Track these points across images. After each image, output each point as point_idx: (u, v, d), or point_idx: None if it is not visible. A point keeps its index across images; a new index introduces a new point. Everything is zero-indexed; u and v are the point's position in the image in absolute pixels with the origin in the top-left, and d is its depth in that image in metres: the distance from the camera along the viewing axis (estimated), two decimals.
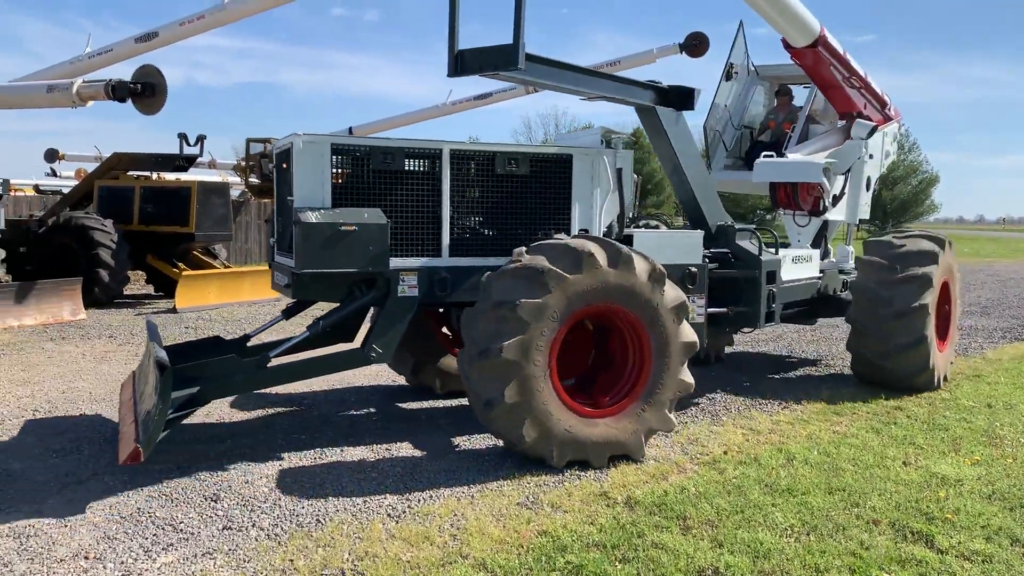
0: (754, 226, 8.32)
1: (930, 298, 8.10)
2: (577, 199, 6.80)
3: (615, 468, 5.85)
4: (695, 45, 17.14)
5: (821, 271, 9.15)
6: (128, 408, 5.99)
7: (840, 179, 9.35)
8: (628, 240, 6.71)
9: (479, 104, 20.49)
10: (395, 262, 6.10)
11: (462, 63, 5.82)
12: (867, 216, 10.14)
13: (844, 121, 9.63)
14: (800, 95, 10.49)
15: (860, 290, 8.35)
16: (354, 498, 5.21)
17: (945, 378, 8.79)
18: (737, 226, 7.84)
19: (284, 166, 6.32)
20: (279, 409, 7.53)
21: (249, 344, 6.76)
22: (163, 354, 5.31)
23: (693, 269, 6.86)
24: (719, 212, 7.96)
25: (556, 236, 6.14)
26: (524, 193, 6.64)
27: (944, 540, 4.69)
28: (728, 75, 10.09)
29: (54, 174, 31.61)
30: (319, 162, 5.98)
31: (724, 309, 7.51)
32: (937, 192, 74.90)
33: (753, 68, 10.47)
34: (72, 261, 14.76)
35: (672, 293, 5.93)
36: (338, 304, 6.27)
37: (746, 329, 8.48)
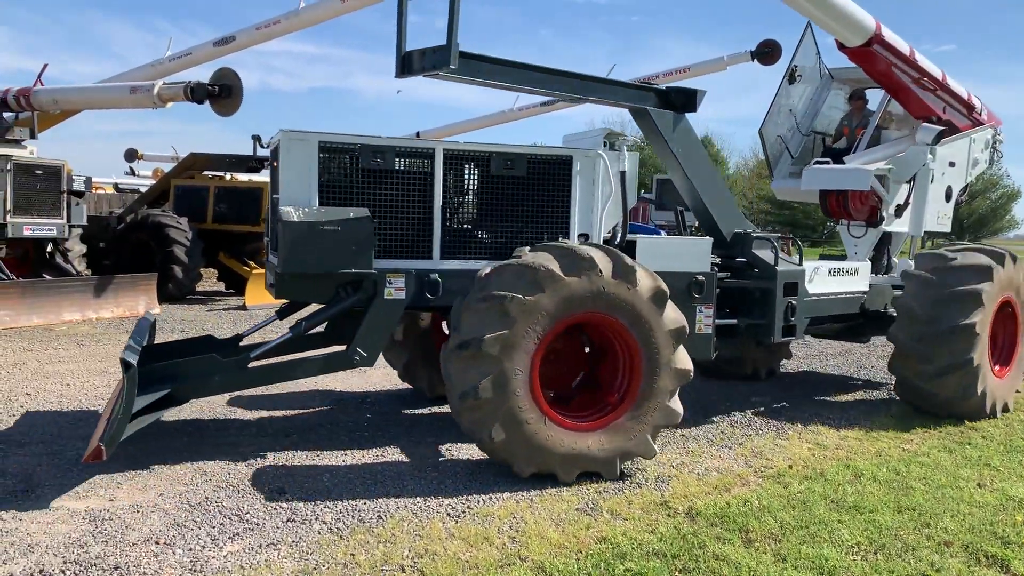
0: (777, 235, 7.97)
1: (979, 317, 7.49)
2: (577, 202, 6.59)
3: (676, 478, 5.79)
4: (767, 53, 16.90)
5: (871, 285, 8.58)
6: (110, 404, 5.97)
7: (904, 188, 8.88)
8: (631, 246, 6.55)
9: (545, 111, 20.53)
10: (382, 263, 5.96)
11: (408, 64, 5.79)
12: (947, 229, 9.58)
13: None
14: (876, 99, 10.07)
15: (902, 307, 7.82)
16: (415, 496, 5.26)
17: (1006, 407, 8.12)
18: (754, 234, 7.48)
19: (275, 164, 6.23)
20: (343, 406, 7.65)
21: (242, 344, 6.64)
22: (132, 351, 5.28)
23: (700, 278, 6.63)
24: (735, 219, 7.62)
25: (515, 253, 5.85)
26: (521, 195, 6.43)
27: (1020, 565, 4.51)
28: (791, 78, 9.68)
29: (133, 173, 32.77)
30: (306, 159, 5.84)
31: (734, 320, 7.21)
32: (1019, 207, 72.17)
33: (827, 71, 10.03)
34: (148, 257, 15.28)
35: (648, 282, 5.64)
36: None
37: (792, 343, 8.04)
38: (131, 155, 31.41)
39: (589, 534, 4.75)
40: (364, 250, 5.77)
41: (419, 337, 7.68)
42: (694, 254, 6.73)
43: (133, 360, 5.11)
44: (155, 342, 6.93)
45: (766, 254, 7.38)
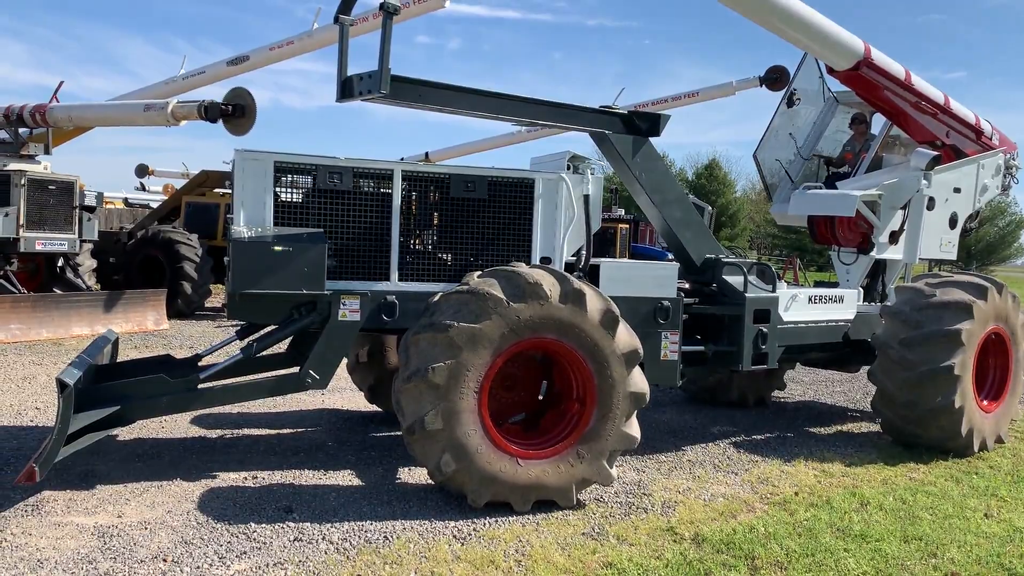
0: (752, 261, 7.82)
1: (959, 359, 7.22)
2: (539, 226, 6.52)
3: (683, 504, 5.80)
4: (775, 79, 16.96)
5: (858, 313, 8.32)
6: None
7: (899, 214, 8.73)
8: (595, 270, 6.53)
9: (555, 132, 20.60)
10: (337, 284, 5.89)
11: (349, 89, 5.82)
12: (953, 256, 9.48)
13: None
14: (879, 124, 9.95)
15: (880, 347, 7.56)
16: (421, 518, 5.28)
17: (1000, 439, 7.93)
18: (725, 259, 7.38)
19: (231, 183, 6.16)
20: (351, 425, 7.68)
21: (200, 363, 6.49)
22: (72, 370, 5.20)
23: (666, 303, 6.61)
24: (706, 243, 7.53)
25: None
26: (482, 218, 6.37)
27: None
28: (790, 102, 9.55)
29: (143, 188, 33.01)
30: (261, 180, 5.80)
31: (701, 347, 7.14)
32: None
33: (831, 94, 9.94)
34: (158, 273, 15.40)
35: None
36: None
37: (787, 373, 7.70)
38: (142, 171, 31.62)
39: (595, 559, 4.76)
40: (316, 271, 5.69)
41: (385, 359, 7.64)
42: (659, 279, 6.70)
43: (70, 380, 5.02)
44: (117, 360, 6.90)
45: (736, 280, 7.29)
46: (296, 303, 5.84)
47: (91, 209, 14.08)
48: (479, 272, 5.76)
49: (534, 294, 5.42)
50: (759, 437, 7.98)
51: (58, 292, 13.26)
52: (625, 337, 5.71)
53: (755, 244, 61.71)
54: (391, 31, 5.61)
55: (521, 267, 5.72)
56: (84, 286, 14.09)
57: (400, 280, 6.15)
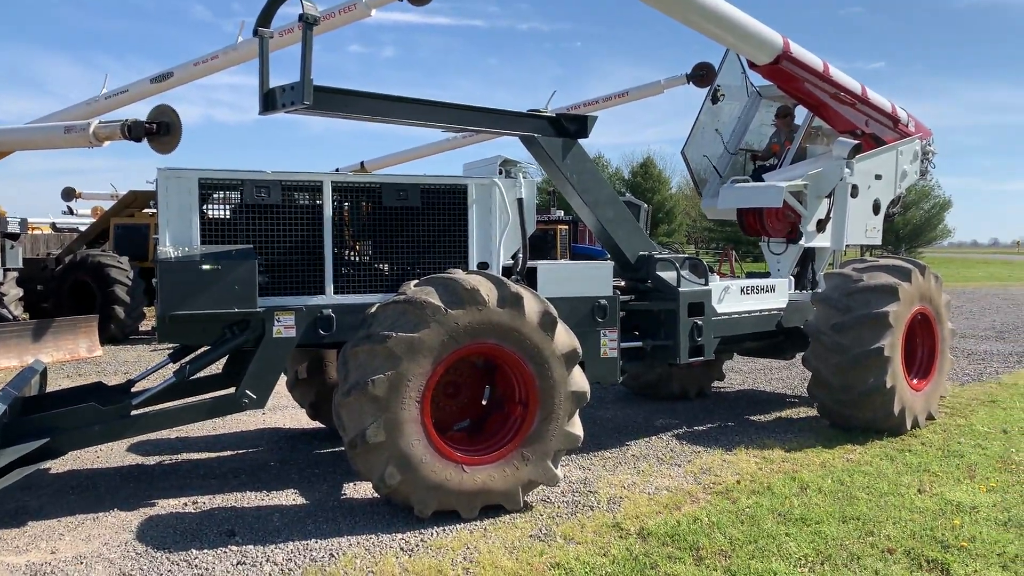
0: (684, 255, 7.91)
1: (888, 340, 7.47)
2: (475, 231, 6.54)
3: (628, 499, 5.86)
4: (702, 75, 17.25)
5: (790, 302, 8.56)
6: None
7: (824, 203, 9.00)
8: (532, 272, 6.59)
9: (488, 137, 20.60)
10: (271, 301, 5.78)
11: (271, 101, 5.79)
12: (878, 241, 9.80)
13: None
14: (802, 115, 10.20)
15: (812, 334, 7.78)
16: (367, 532, 5.23)
17: (931, 416, 8.18)
18: (657, 255, 7.51)
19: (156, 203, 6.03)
20: (293, 444, 7.57)
21: (133, 389, 6.32)
22: None
23: (603, 302, 6.72)
24: (639, 241, 7.66)
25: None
26: (416, 226, 6.34)
27: (960, 568, 4.66)
28: (714, 98, 9.76)
29: (71, 212, 32.07)
30: (186, 198, 5.69)
31: (639, 343, 7.26)
32: (951, 216, 74.43)
33: (754, 88, 10.14)
34: (89, 298, 14.98)
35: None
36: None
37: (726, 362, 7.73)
38: (68, 194, 30.71)
39: (543, 560, 4.77)
40: (247, 288, 5.57)
41: (325, 374, 7.58)
42: (595, 278, 6.79)
43: None
44: (46, 391, 6.71)
45: (669, 276, 7.41)
46: (228, 322, 5.72)
47: (14, 236, 13.67)
48: (416, 281, 5.74)
49: (472, 300, 5.42)
50: (701, 428, 8.11)
51: None
52: (564, 338, 5.74)
53: (692, 239, 62.63)
54: (312, 41, 5.56)
55: (458, 274, 5.70)
56: (10, 316, 13.63)
57: (336, 293, 6.07)
